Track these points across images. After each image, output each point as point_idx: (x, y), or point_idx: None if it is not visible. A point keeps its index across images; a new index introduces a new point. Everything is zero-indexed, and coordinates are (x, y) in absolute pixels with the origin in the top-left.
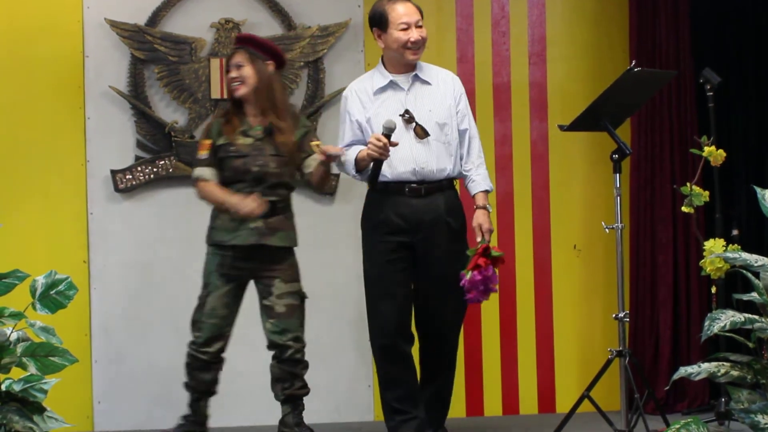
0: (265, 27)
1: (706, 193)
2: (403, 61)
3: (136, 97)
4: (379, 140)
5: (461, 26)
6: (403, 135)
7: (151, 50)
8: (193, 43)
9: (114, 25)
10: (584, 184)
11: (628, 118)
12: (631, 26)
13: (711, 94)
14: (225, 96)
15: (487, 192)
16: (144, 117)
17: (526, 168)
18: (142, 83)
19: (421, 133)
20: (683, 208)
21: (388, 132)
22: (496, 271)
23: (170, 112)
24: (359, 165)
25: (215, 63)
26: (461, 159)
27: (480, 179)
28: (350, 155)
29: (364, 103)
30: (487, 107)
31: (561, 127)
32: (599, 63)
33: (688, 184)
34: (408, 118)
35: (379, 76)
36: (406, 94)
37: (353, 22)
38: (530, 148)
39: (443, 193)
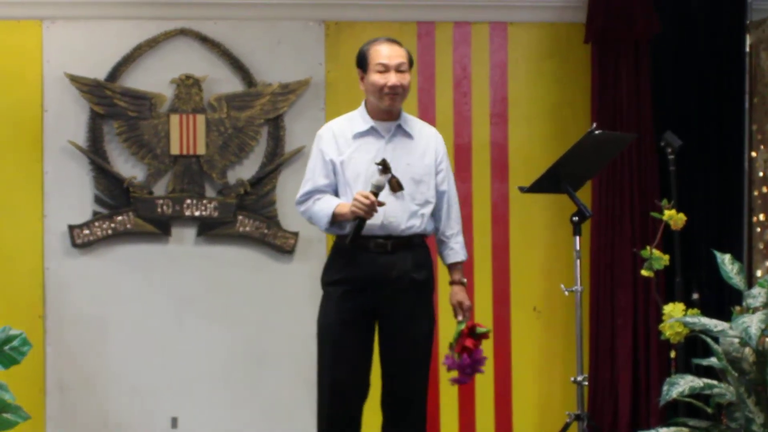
0: (226, 83)
1: (666, 256)
2: (381, 107)
3: (95, 152)
4: (366, 198)
5: (423, 86)
6: (370, 186)
7: (111, 105)
8: (152, 98)
9: (74, 79)
10: (544, 246)
11: (589, 181)
12: (593, 88)
13: (672, 157)
14: (184, 152)
15: (463, 262)
16: (102, 172)
17: (487, 229)
18: (100, 138)
19: (396, 186)
20: (643, 272)
21: (377, 190)
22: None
23: (129, 168)
24: (335, 219)
25: (175, 119)
26: (440, 222)
27: (458, 248)
28: (324, 207)
29: (340, 145)
30: None
31: (521, 189)
32: (561, 125)
33: (648, 247)
34: (383, 168)
35: (360, 120)
36: (385, 144)
37: (314, 80)
38: (491, 210)
39: (412, 250)
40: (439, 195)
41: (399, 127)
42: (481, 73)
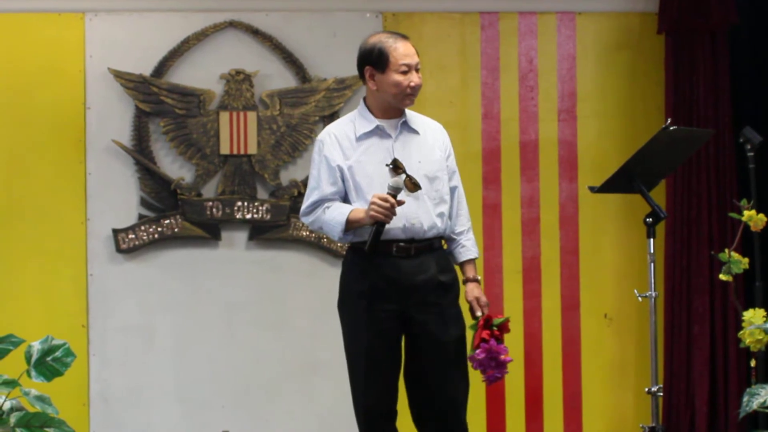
0: (278, 78)
1: (746, 260)
2: (396, 107)
3: (141, 151)
4: (385, 200)
5: (486, 80)
6: (386, 188)
7: (157, 102)
8: (201, 95)
9: (118, 75)
10: (616, 249)
11: (663, 180)
12: (667, 82)
13: (752, 154)
14: (235, 151)
15: (475, 260)
16: (148, 173)
17: (555, 231)
18: (146, 137)
19: (412, 186)
20: (721, 276)
21: (395, 192)
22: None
23: (176, 168)
24: (349, 226)
25: (224, 116)
26: (450, 219)
27: (470, 245)
28: (337, 215)
29: (345, 149)
30: (513, 166)
31: (592, 189)
32: (633, 121)
33: (726, 250)
34: (396, 168)
35: (363, 120)
36: (393, 142)
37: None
38: (559, 210)
39: (433, 253)
40: (450, 191)
41: (404, 123)
42: (548, 66)
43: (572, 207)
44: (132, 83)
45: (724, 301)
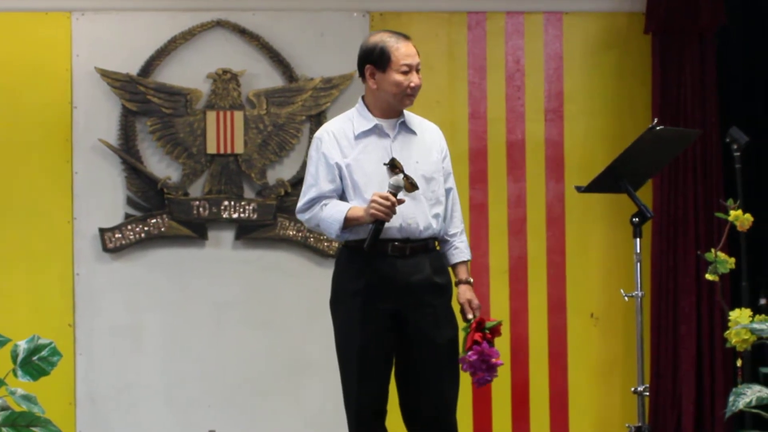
0: (265, 78)
1: (732, 259)
2: (396, 107)
3: (127, 151)
4: (386, 199)
5: (473, 80)
6: (384, 187)
7: (144, 101)
8: (188, 94)
9: (105, 74)
10: (602, 248)
11: (650, 180)
12: (654, 82)
13: (738, 154)
14: (221, 151)
15: (468, 262)
16: (135, 172)
17: (541, 231)
18: (133, 136)
19: (410, 186)
20: (707, 276)
21: (395, 191)
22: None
23: (163, 168)
24: (347, 224)
25: (211, 116)
26: (443, 220)
27: (463, 247)
28: (335, 212)
29: (343, 148)
30: (500, 166)
31: (578, 189)
32: (619, 120)
33: (712, 250)
34: (393, 167)
35: (361, 118)
36: (391, 142)
37: (358, 75)
38: (545, 210)
39: (429, 254)
40: (445, 192)
41: (403, 123)
42: (535, 66)
43: (559, 207)
44: (119, 82)
45: (710, 300)
